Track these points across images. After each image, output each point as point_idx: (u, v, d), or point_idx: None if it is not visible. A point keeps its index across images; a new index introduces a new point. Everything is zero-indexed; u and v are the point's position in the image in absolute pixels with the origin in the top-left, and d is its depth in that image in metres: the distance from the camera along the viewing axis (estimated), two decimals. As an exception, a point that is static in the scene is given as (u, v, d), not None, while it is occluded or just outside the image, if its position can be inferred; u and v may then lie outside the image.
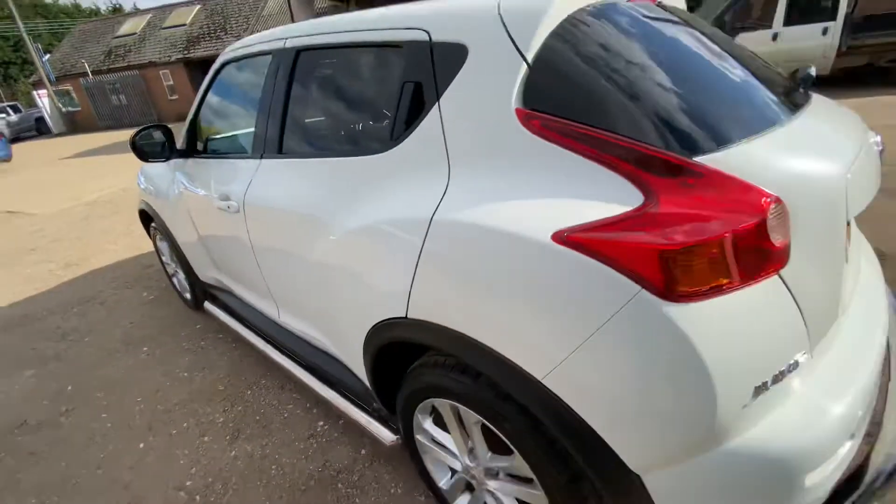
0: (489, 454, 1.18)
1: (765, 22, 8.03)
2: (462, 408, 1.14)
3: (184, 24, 20.48)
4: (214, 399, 2.24)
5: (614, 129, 0.87)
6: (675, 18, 1.22)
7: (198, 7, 21.17)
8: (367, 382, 1.50)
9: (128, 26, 21.93)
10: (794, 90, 1.18)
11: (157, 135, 2.23)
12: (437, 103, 1.08)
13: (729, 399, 0.76)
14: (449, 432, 1.28)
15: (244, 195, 1.71)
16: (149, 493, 1.77)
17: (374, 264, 1.23)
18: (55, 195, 7.80)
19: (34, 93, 21.99)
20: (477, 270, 0.97)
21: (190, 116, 2.25)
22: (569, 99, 0.93)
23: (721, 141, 0.86)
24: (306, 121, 1.63)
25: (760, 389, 0.78)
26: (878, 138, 1.14)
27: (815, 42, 7.84)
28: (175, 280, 3.17)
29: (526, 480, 1.11)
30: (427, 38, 1.11)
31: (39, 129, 22.45)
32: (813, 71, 1.21)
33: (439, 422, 1.31)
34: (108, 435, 2.12)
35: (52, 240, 5.33)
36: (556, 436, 0.94)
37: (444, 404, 1.20)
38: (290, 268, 1.63)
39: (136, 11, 24.67)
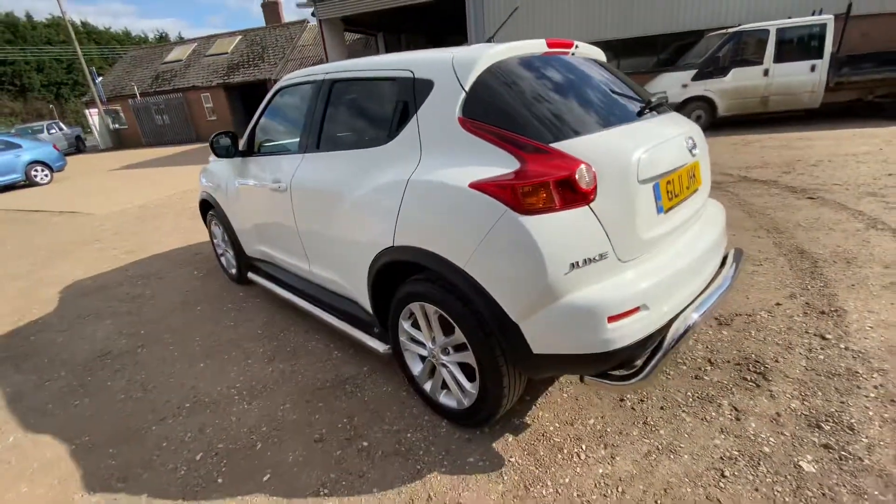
0: (443, 337, 1.83)
1: (756, 59, 8.66)
2: (427, 305, 1.80)
3: (226, 53, 22.29)
4: (255, 339, 2.93)
5: (509, 128, 1.55)
6: (576, 62, 1.92)
7: (239, 37, 23.07)
8: (370, 311, 2.17)
9: (175, 53, 23.94)
10: (648, 106, 1.85)
11: (225, 140, 3.03)
12: (416, 115, 1.79)
13: (554, 269, 1.40)
14: (420, 329, 1.93)
15: (291, 179, 2.44)
16: (208, 391, 2.45)
17: (374, 214, 1.91)
18: (109, 200, 8.84)
19: (86, 111, 23.85)
20: (429, 207, 1.66)
21: (250, 127, 3.03)
22: (487, 111, 1.62)
23: (572, 133, 1.54)
24: (335, 126, 2.35)
25: (574, 266, 1.42)
26: (690, 140, 1.79)
27: (804, 77, 8.44)
28: (223, 259, 3.93)
29: (463, 348, 1.75)
30: (412, 76, 1.83)
31: (78, 147, 23.80)
32: (666, 96, 1.88)
33: (415, 327, 1.97)
34: (175, 359, 2.82)
35: (113, 233, 6.22)
36: (478, 308, 1.59)
37: (416, 306, 1.86)
38: (321, 228, 2.33)
39: (183, 41, 26.76)
